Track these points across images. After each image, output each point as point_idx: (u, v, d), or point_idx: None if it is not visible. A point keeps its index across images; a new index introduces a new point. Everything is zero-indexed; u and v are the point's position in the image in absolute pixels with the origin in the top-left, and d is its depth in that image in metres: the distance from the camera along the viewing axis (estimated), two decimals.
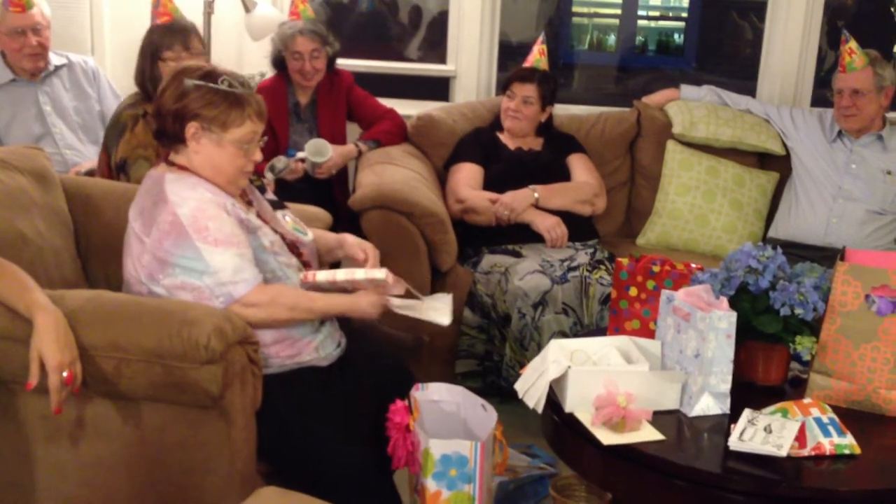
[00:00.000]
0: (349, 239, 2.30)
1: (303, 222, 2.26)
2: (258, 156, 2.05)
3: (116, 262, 2.10)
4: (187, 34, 2.89)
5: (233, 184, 2.04)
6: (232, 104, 1.96)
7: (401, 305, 2.11)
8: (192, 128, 1.96)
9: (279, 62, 3.43)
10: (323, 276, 2.06)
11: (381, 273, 2.06)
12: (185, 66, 2.04)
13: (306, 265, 2.13)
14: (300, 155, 3.24)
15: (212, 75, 1.97)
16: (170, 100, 1.97)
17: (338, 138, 3.44)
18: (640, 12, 5.39)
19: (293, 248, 2.12)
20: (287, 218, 2.20)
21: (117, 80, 3.51)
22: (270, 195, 2.25)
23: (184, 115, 1.96)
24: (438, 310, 2.13)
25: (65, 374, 1.70)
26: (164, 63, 2.83)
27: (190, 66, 2.04)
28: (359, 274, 2.07)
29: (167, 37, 2.87)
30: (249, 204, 2.13)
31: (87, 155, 3.29)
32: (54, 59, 3.32)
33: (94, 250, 2.37)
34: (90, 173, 3.02)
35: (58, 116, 3.30)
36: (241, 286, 1.91)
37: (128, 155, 2.76)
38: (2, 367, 1.83)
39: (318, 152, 3.24)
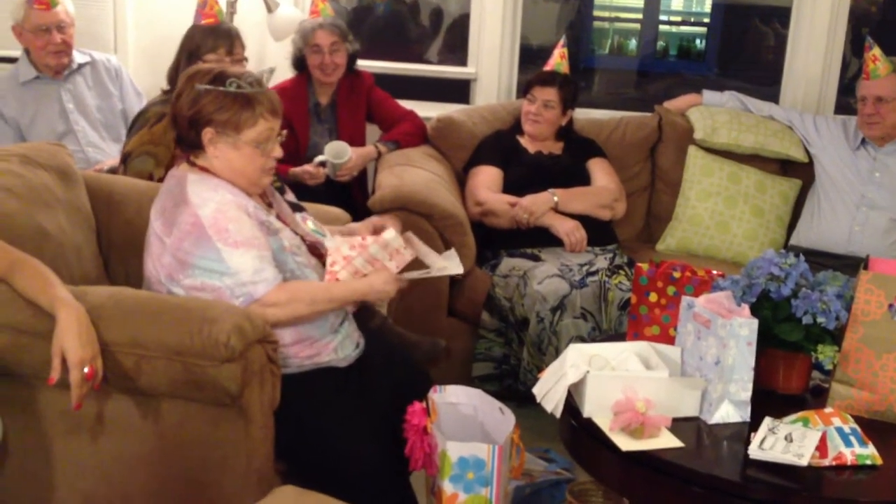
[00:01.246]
0: (356, 226, 2.29)
1: (322, 224, 2.26)
2: (278, 152, 2.05)
3: (137, 260, 2.11)
4: (233, 39, 2.88)
5: (255, 184, 2.04)
6: (243, 105, 1.96)
7: (416, 275, 2.14)
8: (207, 133, 1.97)
9: (300, 62, 3.44)
10: (344, 273, 2.07)
11: (390, 234, 2.08)
12: (195, 70, 2.03)
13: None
14: (320, 158, 3.25)
15: (221, 78, 1.97)
16: (184, 106, 1.98)
17: (357, 139, 3.45)
18: (662, 17, 5.36)
19: (313, 249, 2.12)
20: (308, 221, 2.20)
21: (140, 79, 3.54)
22: (290, 197, 2.25)
23: (198, 122, 1.96)
24: (448, 266, 2.16)
25: (86, 369, 1.71)
26: (205, 64, 2.83)
27: (201, 69, 2.04)
28: (372, 249, 2.07)
29: (212, 38, 2.85)
30: (269, 206, 2.13)
31: (109, 153, 3.31)
32: (78, 57, 3.34)
33: (115, 247, 2.38)
34: (112, 171, 3.04)
35: (80, 114, 3.32)
36: (261, 286, 1.92)
37: (134, 149, 2.77)
38: (23, 362, 1.84)
39: (338, 154, 3.24)
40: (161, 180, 2.70)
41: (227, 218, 1.92)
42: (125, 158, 2.79)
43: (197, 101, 1.96)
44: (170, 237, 1.95)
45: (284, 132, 2.07)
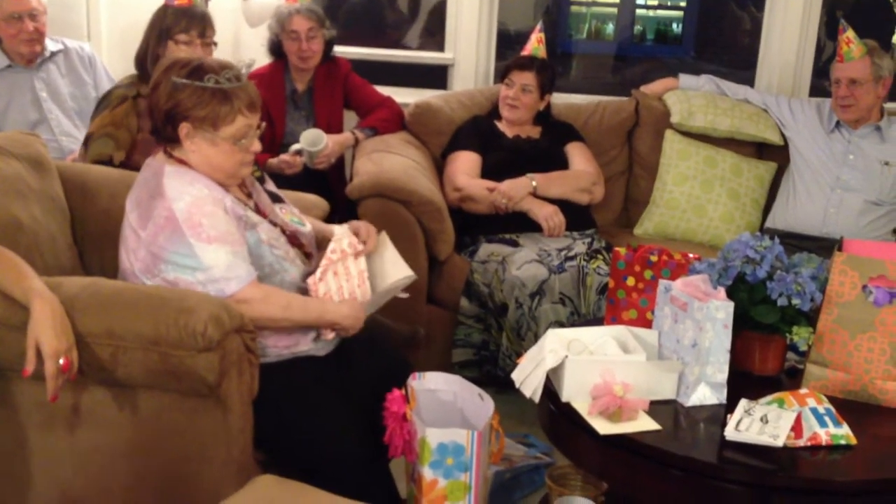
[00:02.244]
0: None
1: (300, 211, 2.25)
2: (257, 146, 2.02)
3: (112, 249, 2.09)
4: (206, 23, 2.86)
5: (233, 177, 2.02)
6: (220, 101, 1.93)
7: (374, 302, 2.17)
8: (184, 128, 1.94)
9: (276, 48, 3.42)
10: (322, 289, 2.07)
11: (341, 242, 2.13)
12: (174, 61, 2.00)
13: (308, 255, 2.12)
14: (296, 147, 3.23)
15: (198, 71, 1.93)
16: (161, 99, 1.95)
17: (335, 126, 3.43)
18: (639, 1, 5.36)
19: (293, 238, 2.11)
20: (287, 212, 2.19)
21: (113, 66, 3.50)
22: (270, 186, 2.23)
23: (174, 116, 1.94)
24: (399, 274, 2.20)
25: (61, 361, 1.69)
26: (176, 45, 2.80)
27: (179, 60, 2.00)
28: (363, 258, 2.13)
29: (185, 20, 2.84)
30: (249, 196, 2.11)
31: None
32: (50, 45, 3.31)
33: (89, 237, 2.36)
34: None
35: (54, 103, 3.29)
36: (233, 283, 1.90)
37: (95, 130, 2.75)
38: None
39: (314, 142, 3.23)
40: (122, 164, 2.69)
41: (201, 212, 1.90)
42: (86, 141, 2.78)
43: (174, 95, 1.93)
44: (145, 230, 1.93)
45: (263, 125, 2.05)
